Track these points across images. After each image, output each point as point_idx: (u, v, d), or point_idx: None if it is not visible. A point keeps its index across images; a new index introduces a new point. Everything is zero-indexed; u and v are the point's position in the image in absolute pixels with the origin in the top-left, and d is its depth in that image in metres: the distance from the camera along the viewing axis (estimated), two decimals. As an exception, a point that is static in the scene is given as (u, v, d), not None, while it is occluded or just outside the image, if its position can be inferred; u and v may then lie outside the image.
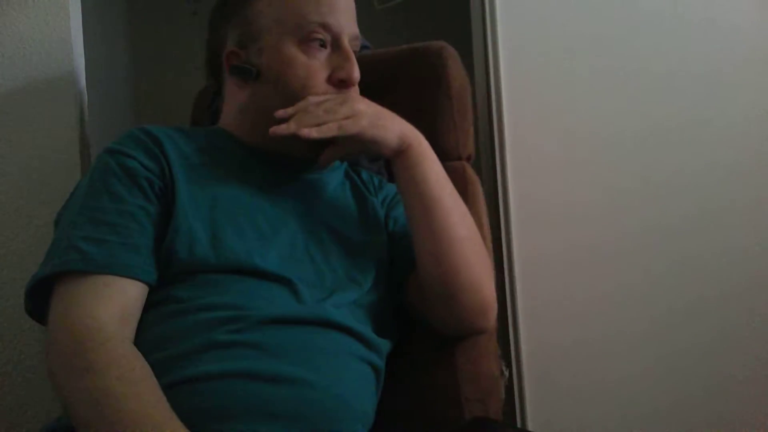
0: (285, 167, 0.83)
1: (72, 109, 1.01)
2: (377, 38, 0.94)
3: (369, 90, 0.89)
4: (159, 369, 0.63)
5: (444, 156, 0.99)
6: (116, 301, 0.66)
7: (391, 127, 0.79)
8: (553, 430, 1.07)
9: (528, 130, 1.19)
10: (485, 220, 0.98)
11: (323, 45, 0.80)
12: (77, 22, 1.04)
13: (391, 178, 0.95)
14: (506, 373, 1.12)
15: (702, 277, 1.19)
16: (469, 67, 1.12)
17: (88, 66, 1.06)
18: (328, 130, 0.75)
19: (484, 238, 0.93)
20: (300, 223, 0.80)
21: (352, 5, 0.84)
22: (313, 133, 0.75)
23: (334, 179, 0.88)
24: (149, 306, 0.70)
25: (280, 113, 0.77)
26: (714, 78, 1.21)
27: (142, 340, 0.67)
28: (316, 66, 0.79)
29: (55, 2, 1.01)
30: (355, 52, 0.82)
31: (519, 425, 1.15)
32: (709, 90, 1.21)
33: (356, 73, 0.80)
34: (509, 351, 1.17)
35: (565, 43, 1.21)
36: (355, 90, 0.81)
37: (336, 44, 0.80)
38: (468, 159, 1.04)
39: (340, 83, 0.79)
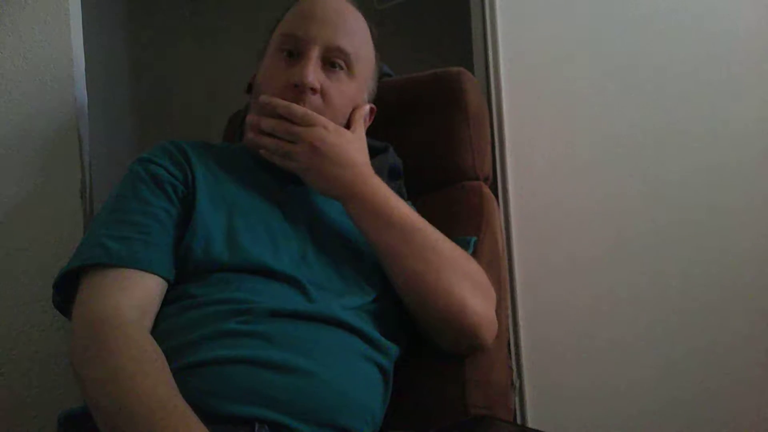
0: (297, 181, 0.87)
1: (71, 109, 1.01)
2: (377, 38, 0.95)
3: (391, 113, 0.97)
4: (170, 355, 0.66)
5: (461, 176, 1.05)
6: (136, 293, 0.71)
7: (321, 183, 0.82)
8: (553, 430, 1.07)
9: (528, 132, 1.19)
10: (500, 238, 1.01)
11: (292, 55, 0.85)
12: (77, 23, 1.04)
13: (410, 196, 0.97)
14: (516, 384, 1.12)
15: (703, 278, 1.18)
16: (469, 68, 1.12)
17: (87, 66, 1.06)
18: (276, 162, 0.83)
19: (499, 257, 0.97)
20: (311, 232, 0.84)
21: (335, 17, 0.87)
22: (267, 157, 0.83)
23: None
24: (165, 303, 0.75)
25: (249, 119, 0.85)
26: (716, 79, 1.21)
27: (157, 331, 0.71)
28: (276, 73, 0.85)
29: (55, 2, 1.01)
30: (333, 62, 0.85)
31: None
32: (711, 91, 1.21)
33: (308, 78, 0.82)
34: (510, 351, 1.16)
35: (565, 43, 1.21)
36: (323, 124, 0.82)
37: (301, 53, 0.84)
38: (486, 180, 1.07)
39: (294, 88, 0.83)
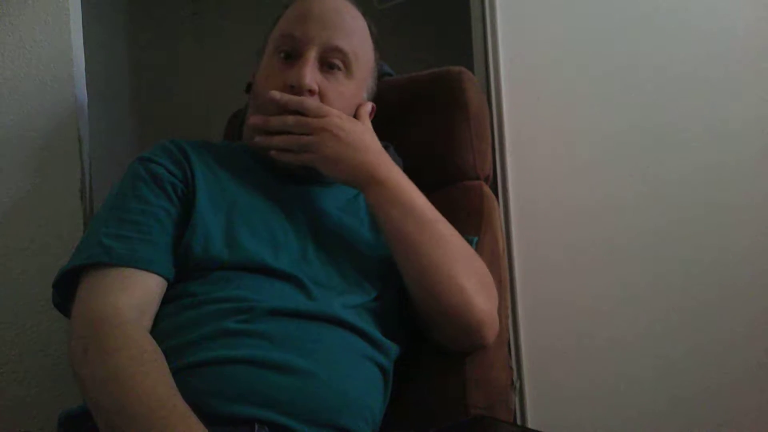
0: (296, 180, 0.87)
1: (71, 108, 1.01)
2: (378, 38, 0.95)
3: (391, 112, 0.97)
4: (171, 355, 0.66)
5: (461, 175, 1.05)
6: (135, 292, 0.71)
7: (344, 170, 0.81)
8: (553, 430, 1.07)
9: (528, 131, 1.19)
10: (500, 237, 1.01)
11: (289, 56, 0.85)
12: (77, 23, 1.04)
13: None
14: (516, 384, 1.12)
15: (703, 277, 1.19)
16: (469, 68, 1.12)
17: (87, 66, 1.06)
18: (288, 160, 0.82)
19: (499, 257, 0.97)
20: (312, 230, 0.84)
21: (334, 16, 0.86)
22: (278, 156, 0.82)
23: (347, 192, 0.91)
24: (165, 301, 0.74)
25: (253, 120, 0.84)
26: (715, 79, 1.21)
27: (157, 330, 0.71)
28: (273, 74, 0.85)
29: (55, 2, 1.01)
30: (331, 63, 0.85)
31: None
32: (710, 91, 1.21)
33: (305, 80, 0.82)
34: (510, 351, 1.16)
35: (565, 43, 1.21)
36: (336, 114, 0.82)
37: (299, 53, 0.84)
38: (486, 179, 1.07)
39: (291, 89, 0.82)
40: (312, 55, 0.83)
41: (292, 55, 0.85)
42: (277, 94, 0.82)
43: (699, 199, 1.19)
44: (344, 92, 0.86)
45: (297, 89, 0.82)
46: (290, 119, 0.81)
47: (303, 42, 0.84)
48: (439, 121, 1.05)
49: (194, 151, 0.84)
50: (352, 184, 0.83)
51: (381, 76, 0.98)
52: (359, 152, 0.82)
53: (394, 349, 0.79)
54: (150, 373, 0.62)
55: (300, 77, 0.82)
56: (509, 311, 1.15)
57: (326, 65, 0.85)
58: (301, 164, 0.82)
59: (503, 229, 1.13)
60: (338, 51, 0.85)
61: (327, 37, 0.84)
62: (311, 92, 0.83)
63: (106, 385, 0.62)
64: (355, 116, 0.88)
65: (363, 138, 0.83)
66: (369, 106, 0.91)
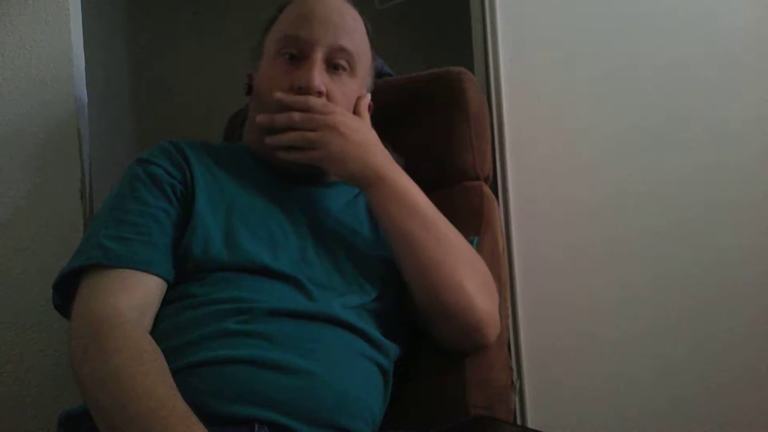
0: (296, 180, 0.87)
1: (71, 108, 1.01)
2: (378, 38, 0.95)
3: (391, 112, 0.98)
4: (171, 355, 0.66)
5: (461, 176, 1.05)
6: (135, 293, 0.71)
7: (350, 167, 0.81)
8: (553, 430, 1.07)
9: (528, 131, 1.19)
10: (500, 238, 1.01)
11: (294, 58, 0.84)
12: (77, 23, 1.04)
13: None
14: (516, 384, 1.12)
15: (703, 277, 1.19)
16: (469, 68, 1.12)
17: (87, 66, 1.06)
18: (294, 158, 0.82)
19: (499, 257, 0.97)
20: (311, 231, 0.84)
21: (336, 17, 0.86)
22: (285, 156, 0.82)
23: (346, 193, 0.91)
24: (165, 302, 0.74)
25: (260, 119, 0.84)
26: (715, 79, 1.21)
27: (157, 331, 0.71)
28: (277, 75, 0.84)
29: (55, 2, 1.01)
30: (337, 63, 0.85)
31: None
32: (710, 91, 1.21)
33: (314, 82, 0.82)
34: (510, 351, 1.16)
35: (565, 43, 1.21)
36: (341, 112, 0.83)
37: (304, 55, 0.84)
38: (486, 180, 1.07)
39: (299, 90, 0.82)
40: (319, 57, 0.83)
41: (298, 57, 0.84)
42: (282, 95, 0.82)
43: (699, 199, 1.19)
44: (348, 92, 0.87)
45: (305, 91, 0.82)
46: (296, 115, 0.81)
47: (309, 43, 0.83)
48: (439, 122, 1.05)
49: (193, 152, 0.84)
50: (356, 182, 0.83)
51: (379, 74, 0.98)
52: (364, 150, 0.82)
53: (394, 349, 0.79)
54: (150, 373, 0.62)
55: (309, 79, 0.82)
56: (509, 311, 1.15)
57: (331, 66, 0.85)
58: (308, 162, 0.82)
59: (503, 229, 1.13)
60: (343, 51, 0.85)
61: (332, 37, 0.84)
62: (320, 94, 0.83)
63: (105, 385, 0.61)
64: (354, 111, 0.88)
65: (368, 136, 0.84)
66: (367, 98, 0.91)
